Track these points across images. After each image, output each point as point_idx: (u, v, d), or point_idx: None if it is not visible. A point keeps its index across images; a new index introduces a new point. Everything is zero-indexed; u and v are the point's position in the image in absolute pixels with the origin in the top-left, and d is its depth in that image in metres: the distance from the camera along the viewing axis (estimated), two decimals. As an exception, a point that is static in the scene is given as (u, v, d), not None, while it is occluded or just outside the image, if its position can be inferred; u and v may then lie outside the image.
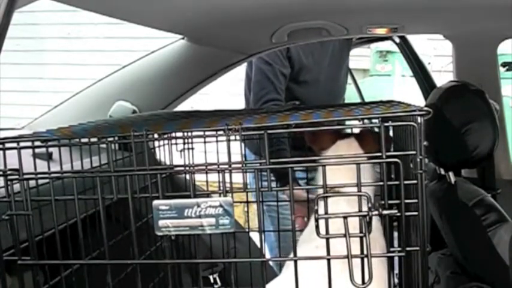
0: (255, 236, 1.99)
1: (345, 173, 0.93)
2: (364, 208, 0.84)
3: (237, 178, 0.96)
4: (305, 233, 1.31)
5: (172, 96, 2.02)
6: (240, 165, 0.93)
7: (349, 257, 0.84)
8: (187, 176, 1.76)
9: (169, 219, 0.87)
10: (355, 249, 0.84)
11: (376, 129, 1.24)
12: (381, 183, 0.88)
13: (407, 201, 0.87)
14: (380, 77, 5.48)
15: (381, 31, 1.85)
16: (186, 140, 1.30)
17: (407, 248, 0.90)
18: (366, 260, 0.85)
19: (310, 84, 2.40)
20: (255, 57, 2.14)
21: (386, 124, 0.89)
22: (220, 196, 0.89)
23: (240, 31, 1.82)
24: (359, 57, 5.18)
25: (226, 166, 0.91)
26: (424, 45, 4.52)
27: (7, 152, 0.94)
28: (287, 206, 1.89)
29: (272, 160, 0.88)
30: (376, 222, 0.91)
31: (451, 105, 1.70)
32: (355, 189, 0.87)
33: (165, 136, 1.06)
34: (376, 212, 0.84)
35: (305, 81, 2.38)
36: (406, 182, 0.87)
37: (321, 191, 0.87)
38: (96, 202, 0.96)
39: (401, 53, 2.83)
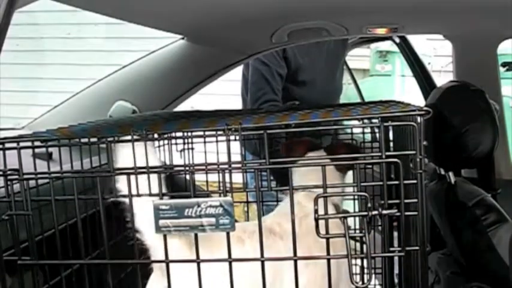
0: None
1: (313, 175, 0.96)
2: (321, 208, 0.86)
3: (237, 178, 0.96)
4: None
5: (172, 96, 2.02)
6: (240, 165, 0.93)
7: (349, 257, 0.84)
8: (187, 176, 1.76)
9: (169, 219, 0.87)
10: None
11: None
12: (381, 182, 0.88)
13: (407, 201, 0.87)
14: (380, 77, 5.48)
15: (381, 31, 1.85)
16: (186, 140, 1.30)
17: (407, 248, 0.90)
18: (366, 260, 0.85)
19: (308, 84, 2.40)
20: (254, 57, 2.14)
21: (386, 124, 0.89)
22: (220, 196, 0.89)
23: (240, 31, 1.82)
24: (359, 57, 5.18)
25: (226, 166, 0.92)
26: (424, 45, 4.52)
27: (7, 152, 0.94)
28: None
29: (272, 160, 0.88)
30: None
31: (451, 105, 1.70)
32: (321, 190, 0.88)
33: (165, 136, 1.06)
34: (376, 212, 0.84)
35: (303, 81, 2.38)
36: (406, 182, 0.87)
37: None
38: (96, 202, 0.96)
39: (401, 53, 2.83)
